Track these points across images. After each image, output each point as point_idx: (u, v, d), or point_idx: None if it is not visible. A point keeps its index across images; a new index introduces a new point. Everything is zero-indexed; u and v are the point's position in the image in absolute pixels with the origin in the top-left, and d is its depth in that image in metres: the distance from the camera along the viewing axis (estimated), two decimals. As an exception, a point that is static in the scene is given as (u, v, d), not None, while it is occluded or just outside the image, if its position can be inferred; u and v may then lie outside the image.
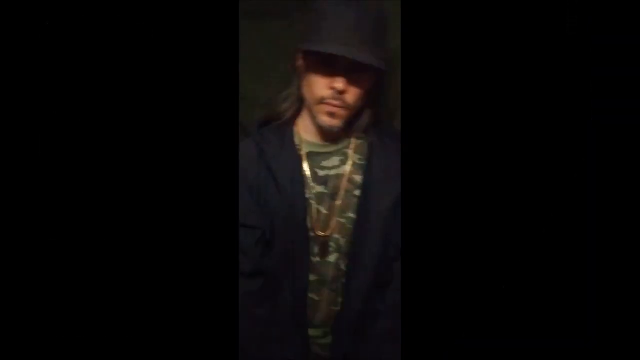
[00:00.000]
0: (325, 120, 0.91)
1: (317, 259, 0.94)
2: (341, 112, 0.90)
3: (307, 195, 0.94)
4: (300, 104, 0.97)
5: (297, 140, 0.98)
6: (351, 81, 0.88)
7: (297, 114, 0.99)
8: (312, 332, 0.95)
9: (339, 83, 0.87)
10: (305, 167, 0.96)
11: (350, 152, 0.97)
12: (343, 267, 0.94)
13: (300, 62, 0.94)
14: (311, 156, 0.97)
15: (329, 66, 0.87)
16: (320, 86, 0.90)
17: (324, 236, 0.94)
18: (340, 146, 0.98)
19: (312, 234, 0.94)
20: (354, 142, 0.97)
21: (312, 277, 0.94)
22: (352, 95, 0.89)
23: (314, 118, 0.94)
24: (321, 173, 0.96)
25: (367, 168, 0.96)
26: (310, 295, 0.94)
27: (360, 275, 0.93)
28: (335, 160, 0.97)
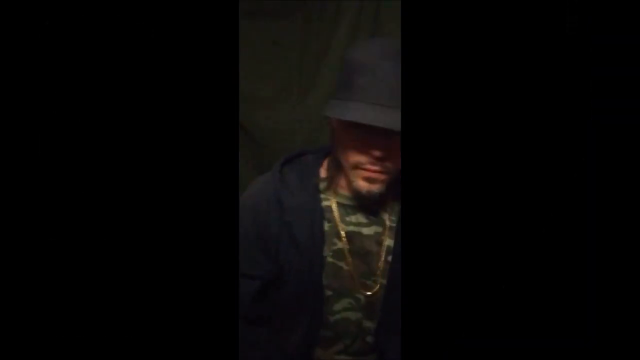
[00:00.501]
0: (362, 186, 0.81)
1: (338, 316, 0.87)
2: (382, 177, 0.80)
3: (325, 253, 0.85)
4: (337, 167, 0.85)
5: (321, 186, 0.87)
6: (392, 145, 0.77)
7: (328, 154, 0.88)
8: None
9: (377, 151, 0.77)
10: (328, 223, 0.86)
11: (380, 209, 0.87)
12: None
13: (332, 123, 0.83)
14: (338, 207, 0.86)
15: (362, 129, 0.75)
16: (355, 151, 0.79)
17: (369, 295, 0.86)
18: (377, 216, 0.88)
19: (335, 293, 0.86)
20: (389, 201, 0.87)
21: (326, 333, 0.88)
22: (394, 160, 0.79)
23: (349, 182, 0.83)
24: (346, 229, 0.86)
25: (397, 229, 0.86)
26: (339, 263, 0.86)
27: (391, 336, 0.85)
28: (361, 217, 0.87)
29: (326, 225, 0.85)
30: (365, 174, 0.79)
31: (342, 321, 0.87)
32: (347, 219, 0.86)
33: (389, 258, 0.86)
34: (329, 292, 0.86)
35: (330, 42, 1.28)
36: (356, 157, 0.79)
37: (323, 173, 0.88)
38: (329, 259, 0.85)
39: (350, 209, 0.87)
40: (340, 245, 0.85)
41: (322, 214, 0.85)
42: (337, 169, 0.85)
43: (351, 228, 0.86)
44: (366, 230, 0.86)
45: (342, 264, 0.85)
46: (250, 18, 1.33)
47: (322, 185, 0.87)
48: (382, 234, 0.86)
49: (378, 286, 0.86)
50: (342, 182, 0.86)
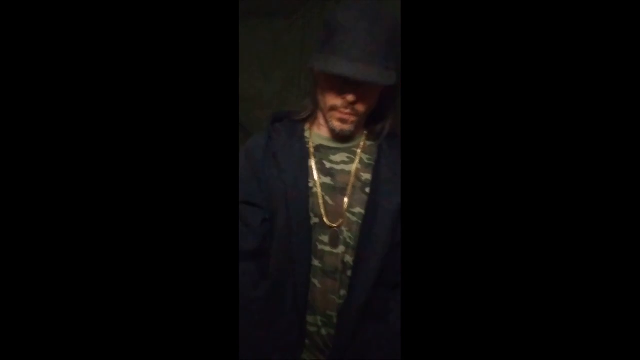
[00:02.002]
0: (337, 125, 0.96)
1: (325, 247, 0.96)
2: (352, 118, 0.95)
3: (311, 185, 0.96)
4: (315, 107, 1.01)
5: (307, 134, 1.02)
6: (362, 92, 0.93)
7: (311, 115, 1.03)
8: (310, 318, 0.97)
9: (350, 96, 0.92)
10: (312, 158, 0.99)
11: (358, 151, 1.00)
12: (349, 260, 0.95)
13: (314, 73, 0.97)
14: (319, 149, 1.00)
15: (339, 78, 0.90)
16: (331, 96, 0.94)
17: (333, 227, 0.96)
18: (349, 145, 1.01)
19: (320, 222, 0.96)
20: (363, 143, 1.01)
21: (315, 263, 0.96)
22: (363, 104, 0.94)
23: (326, 122, 0.99)
24: (328, 165, 0.99)
25: (375, 167, 0.99)
26: (313, 280, 0.96)
27: (365, 270, 0.95)
28: (343, 156, 1.00)
29: (311, 162, 0.99)
30: (339, 115, 0.95)
31: (327, 254, 0.96)
32: (331, 157, 1.00)
33: (367, 189, 0.97)
34: (315, 220, 0.96)
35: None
36: (332, 101, 0.94)
37: (307, 126, 1.04)
38: (315, 190, 0.97)
39: (332, 150, 1.01)
40: (324, 180, 0.98)
41: (307, 152, 1.00)
42: (316, 110, 1.02)
43: (333, 165, 0.99)
44: (347, 167, 0.99)
45: (327, 198, 0.97)
46: (250, 18, 1.33)
47: (306, 134, 1.03)
48: (360, 170, 0.99)
49: (359, 221, 0.97)
50: (322, 123, 1.01)
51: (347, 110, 0.94)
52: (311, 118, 1.03)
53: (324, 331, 0.96)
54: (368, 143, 1.01)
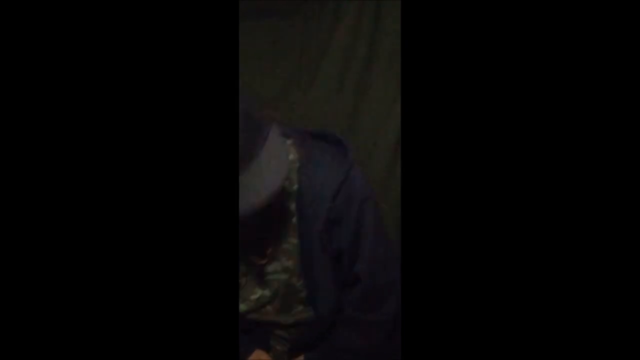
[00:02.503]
0: None
1: (257, 279, 0.99)
2: None
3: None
4: None
5: None
6: None
7: None
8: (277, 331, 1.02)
9: None
10: None
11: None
12: (296, 283, 0.98)
13: None
14: None
15: None
16: None
17: (264, 264, 0.97)
18: None
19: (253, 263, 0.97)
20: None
21: (252, 297, 1.00)
22: None
23: None
24: None
25: (297, 194, 0.96)
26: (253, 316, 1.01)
27: (318, 291, 0.97)
28: None
29: None
30: None
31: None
32: None
33: (292, 220, 0.96)
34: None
35: (330, 42, 1.27)
36: None
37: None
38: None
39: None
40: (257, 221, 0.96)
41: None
42: None
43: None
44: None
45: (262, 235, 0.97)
46: (250, 18, 1.32)
47: None
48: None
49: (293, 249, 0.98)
50: None
51: None
52: None
53: (287, 334, 1.01)
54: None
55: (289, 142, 0.98)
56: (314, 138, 1.02)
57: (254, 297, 0.99)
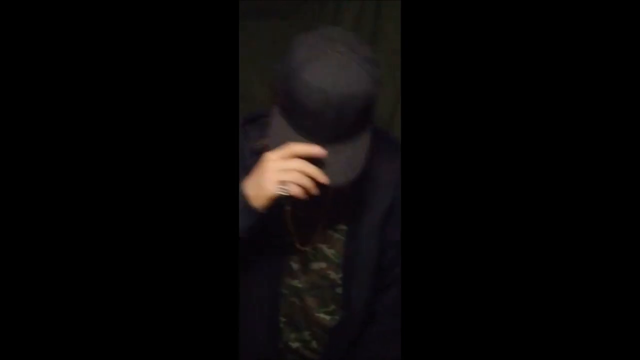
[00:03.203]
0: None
1: (297, 265, 0.92)
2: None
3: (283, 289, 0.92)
4: None
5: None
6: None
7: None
8: (295, 335, 0.95)
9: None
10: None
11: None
12: (334, 277, 0.92)
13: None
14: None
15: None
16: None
17: (304, 250, 0.91)
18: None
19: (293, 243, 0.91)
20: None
21: (293, 282, 0.92)
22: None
23: None
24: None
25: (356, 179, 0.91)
26: (292, 299, 0.93)
27: (354, 285, 0.92)
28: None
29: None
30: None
31: (307, 271, 0.92)
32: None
33: (340, 204, 0.89)
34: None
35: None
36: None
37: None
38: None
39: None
40: (293, 282, 0.93)
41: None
42: None
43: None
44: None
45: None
46: (250, 18, 1.33)
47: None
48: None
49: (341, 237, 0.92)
50: None
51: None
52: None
53: (314, 345, 0.95)
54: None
55: None
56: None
57: (294, 282, 0.93)
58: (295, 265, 0.92)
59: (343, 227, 0.91)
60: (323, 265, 0.92)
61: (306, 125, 0.75)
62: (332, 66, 0.73)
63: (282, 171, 0.75)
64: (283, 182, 0.75)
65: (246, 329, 0.92)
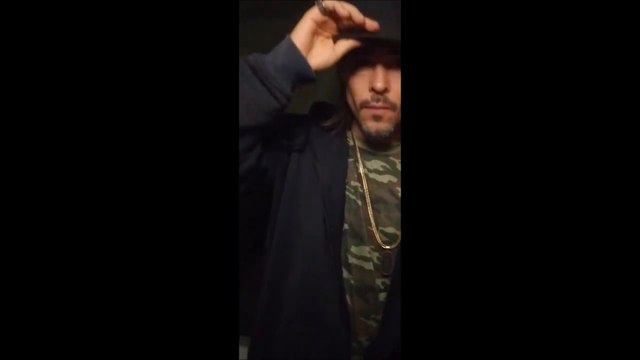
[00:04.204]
0: (371, 126, 0.85)
1: (354, 260, 0.87)
2: (387, 113, 0.84)
3: (346, 190, 0.87)
4: (349, 116, 0.91)
5: (347, 133, 0.93)
6: (392, 77, 0.83)
7: (347, 125, 0.93)
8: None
9: (379, 82, 0.81)
10: (350, 157, 0.90)
11: (397, 161, 0.90)
12: (379, 283, 0.86)
13: (340, 74, 0.88)
14: (356, 149, 0.91)
15: (365, 65, 0.83)
16: (360, 90, 0.84)
17: (387, 249, 0.86)
18: (386, 152, 0.91)
19: (351, 230, 0.86)
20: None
21: (345, 275, 0.87)
22: (395, 92, 0.83)
23: (360, 126, 0.87)
24: (360, 170, 0.89)
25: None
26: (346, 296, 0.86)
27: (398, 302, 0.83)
28: (377, 164, 0.90)
29: (349, 160, 0.89)
30: (372, 111, 0.84)
31: (357, 268, 0.86)
32: (366, 162, 0.90)
33: (397, 204, 0.87)
34: (346, 226, 0.86)
35: (330, 41, 1.27)
36: (361, 97, 0.83)
37: (349, 134, 0.93)
38: (347, 193, 0.87)
39: (368, 154, 0.90)
40: (357, 185, 0.88)
41: (347, 150, 0.90)
42: (349, 115, 0.91)
43: (366, 172, 0.89)
44: (380, 178, 0.89)
45: (360, 202, 0.87)
46: (250, 18, 1.32)
47: (349, 140, 0.92)
48: (397, 184, 0.88)
49: (396, 241, 0.86)
50: (358, 131, 0.90)
51: (380, 104, 0.83)
52: (350, 127, 0.92)
53: (353, 359, 0.86)
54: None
55: None
56: None
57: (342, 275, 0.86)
58: (350, 260, 0.87)
59: (395, 231, 0.87)
60: (394, 179, 0.89)
61: None
62: None
63: None
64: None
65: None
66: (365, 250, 0.87)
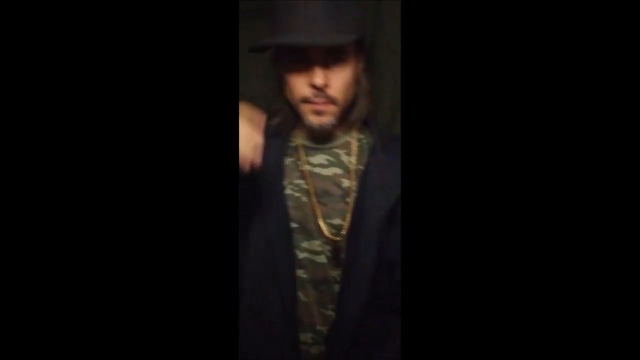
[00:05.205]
0: (313, 120, 0.86)
1: (307, 255, 0.89)
2: (328, 108, 0.85)
3: (288, 187, 0.88)
4: (289, 108, 0.91)
5: (293, 141, 0.93)
6: (331, 73, 0.84)
7: (287, 118, 0.93)
8: (299, 336, 0.89)
9: (318, 78, 0.82)
10: (289, 157, 0.91)
11: (341, 152, 0.92)
12: (334, 274, 0.89)
13: (275, 63, 0.89)
14: (298, 149, 0.92)
15: (303, 61, 0.83)
16: (299, 86, 0.85)
17: (333, 240, 0.88)
18: (330, 145, 0.92)
19: (301, 227, 0.89)
20: (349, 144, 0.92)
21: (300, 273, 0.89)
22: (336, 88, 0.85)
23: (303, 120, 0.88)
24: (303, 167, 0.90)
25: (363, 174, 0.90)
26: (298, 292, 0.89)
27: (353, 286, 0.87)
28: (321, 158, 0.92)
29: (287, 160, 0.90)
30: (313, 107, 0.84)
31: (308, 262, 0.89)
32: (309, 159, 0.90)
33: (347, 199, 0.89)
34: (294, 224, 0.89)
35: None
36: (301, 91, 0.84)
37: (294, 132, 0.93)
38: (289, 192, 0.89)
39: (312, 150, 0.91)
40: (301, 182, 0.90)
41: (285, 150, 0.91)
42: (290, 111, 0.91)
43: (310, 168, 0.90)
44: (325, 172, 0.90)
45: (305, 198, 0.89)
46: (250, 18, 1.32)
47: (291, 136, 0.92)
48: (341, 175, 0.90)
49: (342, 232, 0.89)
50: (302, 129, 0.91)
51: (320, 99, 0.84)
52: (289, 122, 0.93)
53: (314, 349, 0.89)
54: (356, 144, 0.92)
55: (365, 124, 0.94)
56: (387, 134, 0.97)
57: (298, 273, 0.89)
58: (301, 254, 0.89)
59: (340, 221, 0.89)
60: (339, 171, 0.89)
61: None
62: None
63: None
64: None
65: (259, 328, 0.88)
66: (316, 244, 0.89)
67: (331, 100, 0.85)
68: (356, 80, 0.88)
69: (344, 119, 0.90)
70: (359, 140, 0.93)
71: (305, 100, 0.85)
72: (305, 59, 0.83)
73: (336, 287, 0.89)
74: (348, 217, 0.88)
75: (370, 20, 1.24)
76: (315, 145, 0.92)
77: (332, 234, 0.88)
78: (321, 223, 0.88)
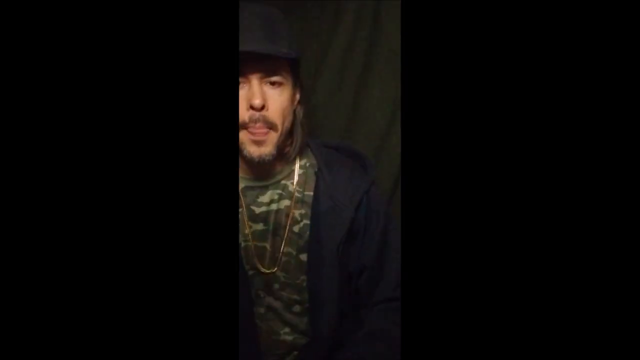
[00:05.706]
0: (253, 151, 0.84)
1: (263, 294, 0.93)
2: (266, 134, 0.84)
3: (242, 236, 0.89)
4: None
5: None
6: (267, 96, 0.83)
7: None
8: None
9: (256, 98, 0.82)
10: (240, 207, 0.90)
11: (288, 183, 0.92)
12: (291, 297, 0.92)
13: None
14: (245, 192, 0.91)
15: (242, 84, 0.83)
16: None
17: (267, 273, 0.91)
18: (276, 179, 0.93)
19: (255, 272, 0.91)
20: (295, 172, 0.93)
21: (260, 311, 0.92)
22: (273, 111, 0.84)
23: (242, 154, 0.86)
24: (257, 210, 0.91)
25: (314, 199, 0.91)
26: (260, 324, 0.93)
27: (322, 307, 0.91)
28: (272, 195, 0.92)
29: (241, 210, 0.90)
30: (251, 136, 0.83)
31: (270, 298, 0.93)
32: (259, 199, 0.91)
33: (295, 228, 0.91)
34: (250, 272, 0.91)
35: (330, 42, 1.27)
36: (240, 117, 0.82)
37: None
38: (249, 242, 0.90)
39: (258, 190, 0.91)
40: (255, 227, 0.91)
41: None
42: None
43: (263, 208, 0.91)
44: (278, 206, 0.91)
45: (265, 244, 0.91)
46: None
47: None
48: (290, 207, 0.91)
49: (294, 262, 0.91)
50: (241, 163, 0.89)
51: (258, 125, 0.82)
52: None
53: None
54: (300, 172, 0.92)
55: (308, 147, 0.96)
56: (328, 147, 0.98)
57: (261, 298, 0.93)
58: (262, 296, 0.93)
59: (291, 250, 0.92)
60: (288, 202, 0.91)
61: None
62: None
63: None
64: None
65: None
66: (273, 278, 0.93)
67: (269, 125, 0.84)
68: (293, 110, 0.89)
69: (282, 151, 0.90)
70: (302, 167, 0.94)
71: (244, 126, 0.84)
72: (244, 80, 0.83)
73: (296, 309, 0.93)
74: (302, 245, 0.91)
75: (370, 20, 1.24)
76: (261, 183, 0.92)
77: (265, 267, 0.91)
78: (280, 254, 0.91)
